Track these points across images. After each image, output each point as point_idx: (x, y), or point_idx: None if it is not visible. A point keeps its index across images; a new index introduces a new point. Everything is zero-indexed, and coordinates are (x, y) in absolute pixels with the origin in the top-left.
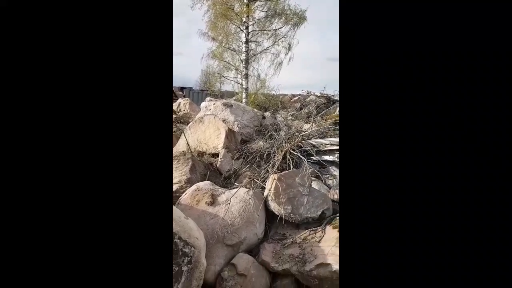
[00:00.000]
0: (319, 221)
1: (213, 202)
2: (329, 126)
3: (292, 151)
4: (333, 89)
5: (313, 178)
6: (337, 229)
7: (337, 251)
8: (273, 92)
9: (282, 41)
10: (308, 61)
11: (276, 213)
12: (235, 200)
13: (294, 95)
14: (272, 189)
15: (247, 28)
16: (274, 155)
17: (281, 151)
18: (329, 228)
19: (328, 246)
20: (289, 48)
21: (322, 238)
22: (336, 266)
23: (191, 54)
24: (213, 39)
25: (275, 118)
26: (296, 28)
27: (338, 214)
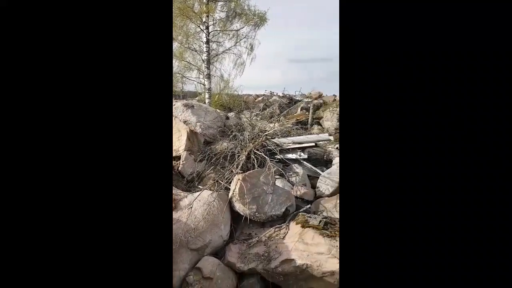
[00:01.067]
0: (283, 218)
1: (174, 207)
2: (291, 125)
3: (256, 151)
4: (294, 90)
5: (277, 176)
6: (300, 225)
7: (300, 246)
8: (237, 93)
9: (244, 41)
10: (270, 62)
11: (241, 213)
12: (199, 204)
13: (258, 95)
14: (237, 189)
15: (207, 28)
16: (239, 156)
17: (245, 151)
18: (292, 224)
19: (291, 242)
20: (251, 49)
21: (286, 234)
22: (299, 261)
23: None
24: (173, 39)
25: (239, 118)
26: (257, 29)
27: (301, 210)
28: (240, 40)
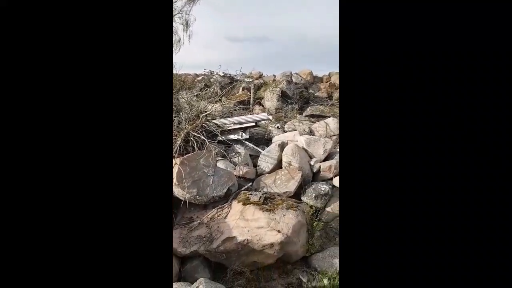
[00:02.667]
0: (226, 198)
1: None
2: (233, 106)
3: (195, 133)
4: (234, 69)
5: (219, 158)
6: (241, 203)
7: (241, 223)
8: (174, 71)
9: (179, 17)
10: (209, 41)
11: (181, 198)
12: None
13: (197, 75)
14: (175, 174)
15: None
16: (175, 139)
17: (182, 133)
18: (234, 203)
19: (233, 220)
20: (187, 25)
21: (228, 213)
22: (240, 238)
23: None
24: None
25: (177, 99)
26: (192, 3)
27: (243, 188)
28: (174, 15)
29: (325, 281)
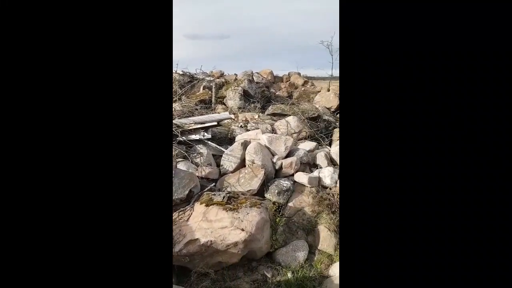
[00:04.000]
0: (188, 200)
1: None
2: (194, 105)
3: None
4: (194, 68)
5: (180, 159)
6: (204, 204)
7: (204, 224)
8: None
9: None
10: None
11: None
12: None
13: None
14: None
15: None
16: None
17: None
18: (197, 205)
19: (195, 222)
20: None
21: (190, 216)
22: (203, 239)
23: None
24: None
25: None
26: None
27: (205, 189)
28: None
29: (289, 275)
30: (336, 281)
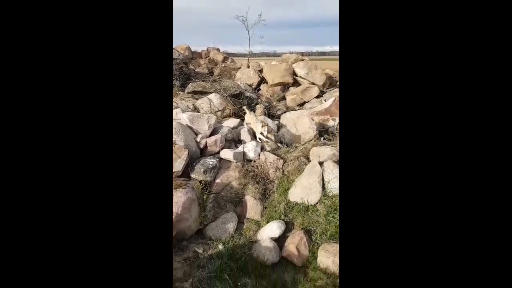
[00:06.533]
0: None
1: None
2: None
3: None
4: None
5: None
6: None
7: None
8: None
9: None
10: None
11: None
12: None
13: None
14: None
15: None
16: None
17: None
18: None
19: None
20: None
21: None
22: None
23: None
24: None
25: None
26: None
27: None
28: None
29: (220, 247)
30: (264, 243)
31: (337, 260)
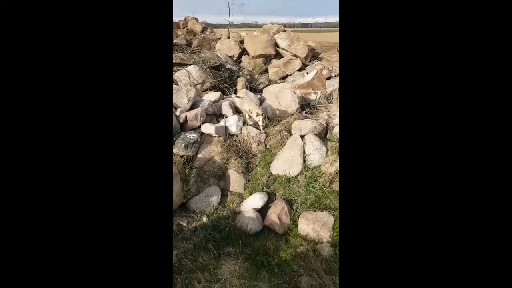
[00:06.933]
0: None
1: None
2: None
3: None
4: None
5: None
6: None
7: None
8: None
9: None
10: None
11: None
12: None
13: None
14: None
15: None
16: None
17: None
18: None
19: None
20: None
21: None
22: None
23: None
24: None
25: None
26: None
27: None
28: None
29: (204, 219)
30: (247, 214)
31: (316, 227)
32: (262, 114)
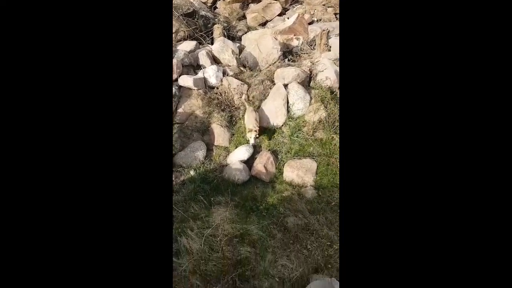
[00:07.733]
0: None
1: None
2: None
3: None
4: None
5: None
6: None
7: None
8: None
9: None
10: None
11: None
12: None
13: None
14: None
15: None
16: None
17: None
18: None
19: None
20: None
21: None
22: None
23: None
24: None
25: None
26: None
27: None
28: None
29: (192, 172)
30: (234, 166)
31: (300, 173)
32: (255, 131)
